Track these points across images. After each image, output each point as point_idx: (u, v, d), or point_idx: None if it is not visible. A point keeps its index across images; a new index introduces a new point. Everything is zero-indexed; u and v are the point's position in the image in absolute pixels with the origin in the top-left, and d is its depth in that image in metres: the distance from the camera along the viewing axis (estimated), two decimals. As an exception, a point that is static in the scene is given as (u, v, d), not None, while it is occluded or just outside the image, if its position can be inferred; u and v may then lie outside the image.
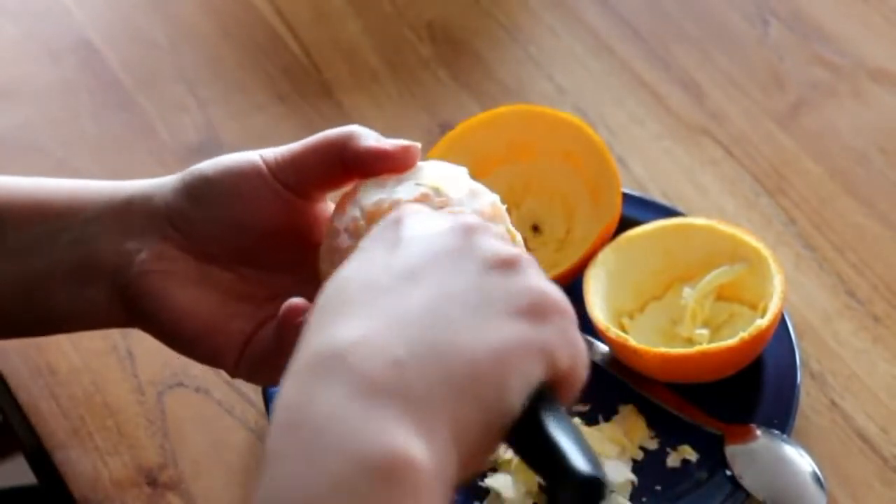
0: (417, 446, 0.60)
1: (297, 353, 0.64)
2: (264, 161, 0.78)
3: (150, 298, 0.79)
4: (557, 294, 0.66)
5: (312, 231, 0.80)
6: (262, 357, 0.78)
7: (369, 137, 0.77)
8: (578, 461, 0.61)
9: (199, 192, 0.78)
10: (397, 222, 0.69)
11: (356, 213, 0.76)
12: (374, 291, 0.64)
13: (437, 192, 0.76)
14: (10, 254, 0.80)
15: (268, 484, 0.60)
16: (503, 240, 0.68)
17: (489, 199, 0.76)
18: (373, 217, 0.75)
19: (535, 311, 0.65)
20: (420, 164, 0.78)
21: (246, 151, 0.79)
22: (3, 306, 0.81)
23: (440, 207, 0.75)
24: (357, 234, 0.75)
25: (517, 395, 0.63)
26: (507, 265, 0.66)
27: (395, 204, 0.75)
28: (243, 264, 0.79)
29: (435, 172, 0.77)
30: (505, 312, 0.64)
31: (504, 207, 0.76)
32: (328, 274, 0.69)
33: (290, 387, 0.62)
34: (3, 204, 0.81)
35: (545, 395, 0.64)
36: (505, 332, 0.64)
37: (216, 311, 0.79)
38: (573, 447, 0.62)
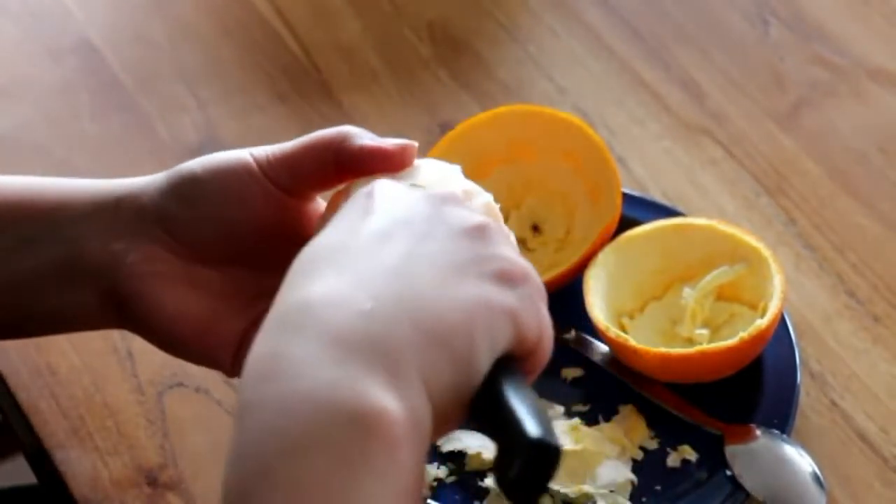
0: (389, 397, 0.60)
1: (269, 314, 0.64)
2: (255, 160, 0.78)
3: (139, 301, 0.78)
4: (526, 265, 0.67)
5: (304, 229, 0.79)
6: None
7: (364, 137, 0.77)
8: (531, 426, 0.61)
9: (188, 191, 0.78)
10: (369, 194, 0.69)
11: None
12: (343, 252, 0.65)
13: None
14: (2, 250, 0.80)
15: (241, 436, 0.60)
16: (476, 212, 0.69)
17: (483, 199, 0.76)
18: None
19: (504, 276, 0.66)
20: (416, 162, 0.78)
21: (236, 150, 0.78)
22: None
23: None
24: None
25: (484, 355, 0.63)
26: (477, 232, 0.67)
27: None
28: (234, 264, 0.79)
29: (430, 172, 0.77)
30: (473, 275, 0.65)
31: (498, 206, 0.76)
32: None
33: (261, 341, 0.62)
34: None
35: (508, 366, 0.64)
36: (473, 291, 0.64)
37: (207, 312, 0.78)
38: (527, 414, 0.62)
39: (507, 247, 0.68)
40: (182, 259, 0.78)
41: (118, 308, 0.78)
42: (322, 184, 0.78)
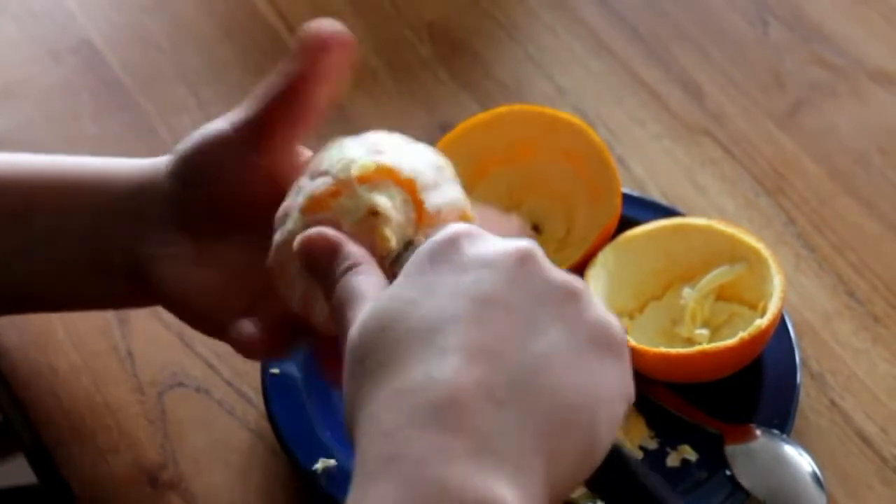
0: (513, 493, 0.61)
1: (375, 362, 0.64)
2: (232, 126, 0.78)
3: (161, 283, 0.79)
4: (619, 323, 0.67)
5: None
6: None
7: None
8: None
9: (182, 172, 0.79)
10: (453, 243, 0.67)
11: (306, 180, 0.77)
12: (454, 320, 0.64)
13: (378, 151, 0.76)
14: (35, 242, 0.81)
15: (360, 499, 0.61)
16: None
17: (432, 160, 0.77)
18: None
19: (611, 342, 0.66)
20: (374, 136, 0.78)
21: (220, 119, 0.79)
22: (31, 290, 0.83)
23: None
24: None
25: (606, 435, 0.64)
26: (576, 293, 0.66)
27: (349, 164, 0.75)
28: (243, 234, 0.79)
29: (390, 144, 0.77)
30: (587, 345, 0.65)
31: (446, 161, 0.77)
32: (280, 244, 0.73)
33: (386, 413, 0.63)
34: (32, 186, 0.82)
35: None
36: (592, 364, 0.65)
37: (228, 286, 0.79)
38: (665, 492, 0.65)
39: (598, 303, 0.67)
40: (195, 238, 0.79)
41: (145, 290, 0.80)
42: (288, 131, 0.78)
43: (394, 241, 0.73)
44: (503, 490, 0.61)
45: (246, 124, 0.78)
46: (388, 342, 0.64)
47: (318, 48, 0.76)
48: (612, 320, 0.67)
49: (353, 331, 0.66)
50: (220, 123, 0.78)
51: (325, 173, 0.76)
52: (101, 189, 0.81)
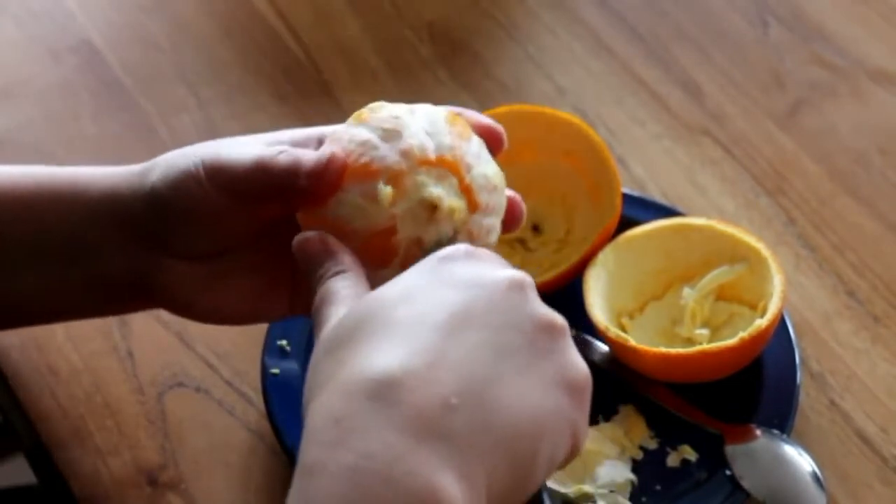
0: (459, 491, 0.61)
1: (340, 355, 0.65)
2: (204, 169, 0.76)
3: (176, 307, 0.80)
4: (587, 371, 0.68)
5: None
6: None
7: (309, 161, 0.75)
8: None
9: (159, 209, 0.77)
10: (451, 259, 0.69)
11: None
12: (425, 324, 0.65)
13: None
14: (16, 263, 0.80)
15: (307, 493, 0.62)
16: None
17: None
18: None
19: (575, 388, 0.67)
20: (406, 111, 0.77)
21: (193, 153, 0.77)
22: (28, 307, 0.82)
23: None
24: None
25: (544, 467, 0.65)
26: (553, 331, 0.67)
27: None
28: (241, 247, 0.79)
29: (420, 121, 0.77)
30: (550, 381, 0.66)
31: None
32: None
33: (338, 401, 0.63)
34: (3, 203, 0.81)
35: None
36: (548, 401, 0.65)
37: (246, 295, 0.79)
38: None
39: (574, 348, 0.68)
40: (191, 262, 0.78)
41: (153, 302, 0.80)
42: (267, 206, 0.77)
43: (436, 235, 0.75)
44: (450, 491, 0.61)
45: (230, 179, 0.76)
46: (356, 337, 0.65)
47: (332, 182, 0.75)
48: (583, 368, 0.67)
49: (328, 326, 0.67)
50: (193, 163, 0.77)
51: (392, 137, 0.75)
52: (77, 204, 0.80)
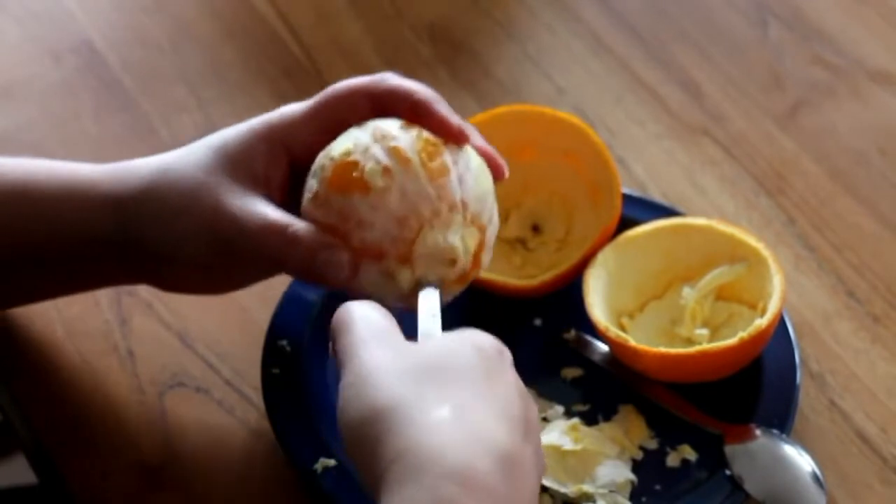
0: None
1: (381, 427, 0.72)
2: (213, 184, 0.84)
3: (145, 276, 0.88)
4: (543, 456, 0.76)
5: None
6: None
7: None
8: None
9: (160, 213, 0.85)
10: (498, 356, 0.76)
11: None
12: (460, 388, 0.73)
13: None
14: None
15: None
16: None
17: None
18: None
19: (537, 444, 0.75)
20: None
21: (197, 164, 0.84)
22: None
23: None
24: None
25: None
26: (526, 396, 0.75)
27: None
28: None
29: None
30: (532, 438, 0.74)
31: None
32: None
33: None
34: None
35: None
36: (531, 456, 0.73)
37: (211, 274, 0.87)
38: None
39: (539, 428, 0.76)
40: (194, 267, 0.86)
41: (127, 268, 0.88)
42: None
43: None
44: None
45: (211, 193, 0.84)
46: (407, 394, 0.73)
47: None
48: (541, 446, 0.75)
49: (339, 409, 0.74)
50: (201, 176, 0.84)
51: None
52: (76, 208, 0.86)
